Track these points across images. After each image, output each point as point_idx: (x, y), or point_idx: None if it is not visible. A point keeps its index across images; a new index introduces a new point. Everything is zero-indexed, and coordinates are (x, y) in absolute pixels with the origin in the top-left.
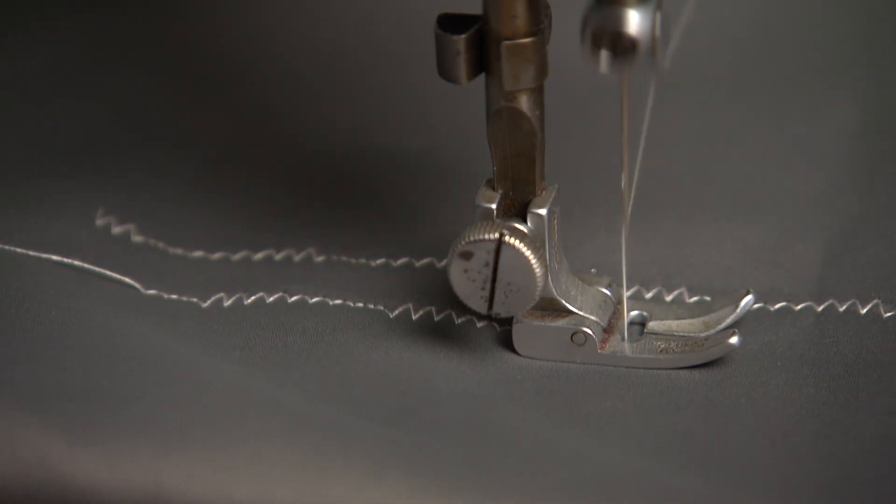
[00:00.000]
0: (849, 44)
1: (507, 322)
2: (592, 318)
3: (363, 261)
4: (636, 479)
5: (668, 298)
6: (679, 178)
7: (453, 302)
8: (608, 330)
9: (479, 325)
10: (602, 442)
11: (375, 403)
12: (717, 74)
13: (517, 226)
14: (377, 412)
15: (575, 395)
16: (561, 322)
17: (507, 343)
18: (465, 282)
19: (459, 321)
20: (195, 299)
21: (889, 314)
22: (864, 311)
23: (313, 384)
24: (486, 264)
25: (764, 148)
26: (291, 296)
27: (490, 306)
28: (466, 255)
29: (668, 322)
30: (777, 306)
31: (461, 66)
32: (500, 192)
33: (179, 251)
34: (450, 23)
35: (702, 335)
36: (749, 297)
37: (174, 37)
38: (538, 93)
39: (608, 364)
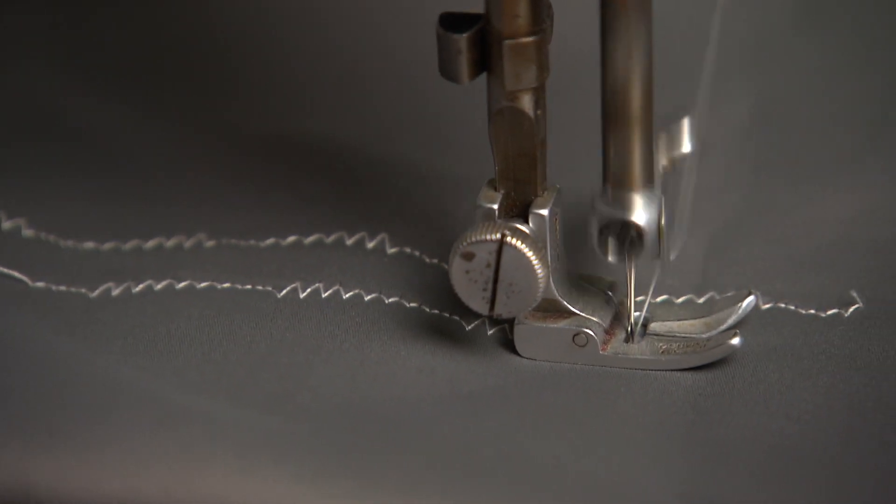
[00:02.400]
0: (738, 40)
1: (503, 322)
2: (594, 319)
3: (252, 242)
4: (518, 455)
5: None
6: (568, 170)
7: (341, 278)
8: (610, 331)
9: (368, 298)
10: (478, 419)
11: (253, 388)
12: None
13: (519, 226)
14: (254, 397)
15: (459, 373)
16: (562, 323)
17: (395, 318)
18: (467, 282)
19: (347, 296)
20: (84, 290)
21: (767, 306)
22: (743, 303)
23: (193, 371)
24: (488, 265)
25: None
26: (179, 282)
27: (492, 307)
28: (468, 256)
29: (670, 323)
30: (659, 299)
31: (463, 65)
32: (502, 192)
33: (70, 243)
34: (451, 22)
35: (703, 336)
36: (751, 298)
37: (74, 30)
38: (540, 92)
39: (609, 365)
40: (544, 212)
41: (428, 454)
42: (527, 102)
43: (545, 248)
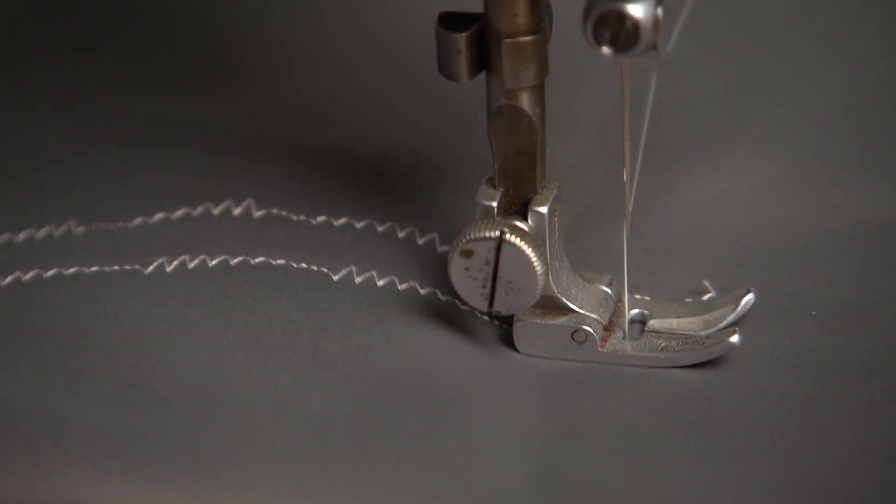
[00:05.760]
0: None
1: (506, 319)
2: (593, 316)
3: (121, 224)
4: (374, 434)
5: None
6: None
7: (207, 248)
8: (609, 328)
9: (233, 262)
10: (336, 394)
11: (111, 375)
12: None
13: (518, 224)
14: (109, 387)
15: (322, 332)
16: (561, 320)
17: (261, 278)
18: (466, 280)
19: (213, 263)
20: None
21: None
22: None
23: (53, 361)
24: (487, 262)
25: None
26: (47, 271)
27: (491, 304)
28: (467, 253)
29: (669, 320)
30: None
31: (462, 64)
32: (501, 190)
33: None
34: (451, 21)
35: (702, 333)
36: (750, 296)
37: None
38: (539, 91)
39: (608, 362)
40: (543, 209)
41: (286, 448)
42: (526, 101)
43: (544, 245)
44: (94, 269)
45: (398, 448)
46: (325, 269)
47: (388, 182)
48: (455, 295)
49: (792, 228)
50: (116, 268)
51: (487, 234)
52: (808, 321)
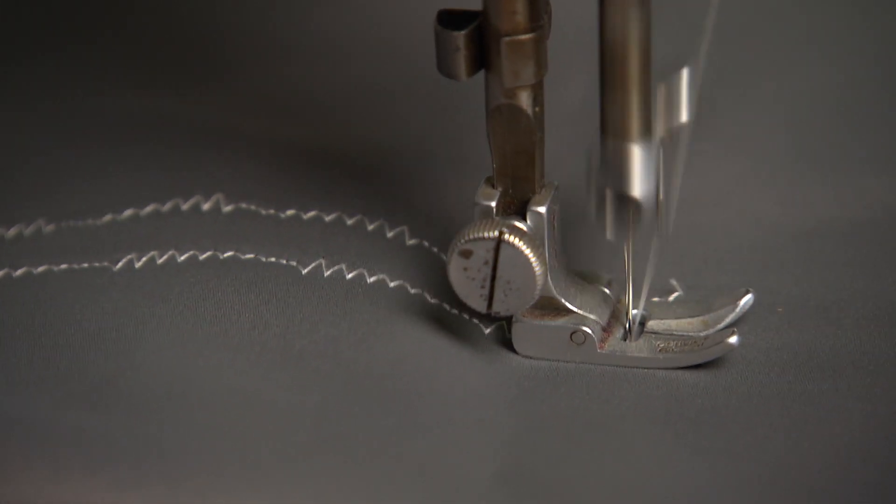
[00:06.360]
0: (580, 28)
1: (501, 319)
2: (592, 317)
3: (90, 221)
4: (343, 432)
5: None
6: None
7: (177, 243)
8: (607, 329)
9: (202, 257)
10: (304, 388)
11: (79, 373)
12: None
13: (517, 224)
14: (75, 388)
15: (290, 326)
16: (560, 321)
17: (230, 272)
18: (465, 280)
19: (182, 259)
20: None
21: None
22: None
23: (22, 362)
24: (486, 262)
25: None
26: (17, 270)
27: (489, 305)
28: (466, 254)
29: (668, 321)
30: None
31: (461, 62)
32: (500, 189)
33: None
34: (449, 19)
35: (701, 334)
36: (748, 297)
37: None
38: (538, 89)
39: (607, 363)
40: (542, 209)
41: (248, 442)
42: (525, 99)
43: (543, 245)
44: (63, 266)
45: (366, 443)
46: (294, 263)
47: (358, 176)
48: (425, 289)
49: (759, 226)
50: (86, 265)
51: (486, 235)
52: (774, 318)
